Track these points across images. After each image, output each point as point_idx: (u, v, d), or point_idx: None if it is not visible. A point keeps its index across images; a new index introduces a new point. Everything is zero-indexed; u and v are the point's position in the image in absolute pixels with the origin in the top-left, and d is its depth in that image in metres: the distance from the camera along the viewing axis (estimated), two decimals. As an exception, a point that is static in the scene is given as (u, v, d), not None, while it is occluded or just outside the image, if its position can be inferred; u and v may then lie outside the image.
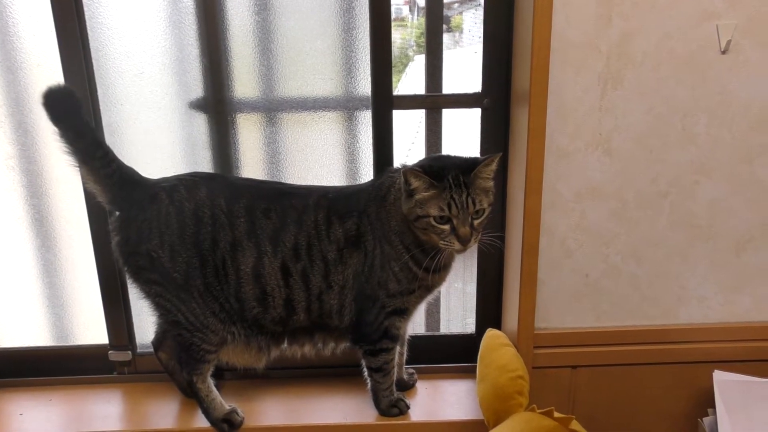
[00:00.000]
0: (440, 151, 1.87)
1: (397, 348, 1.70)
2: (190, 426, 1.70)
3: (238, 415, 1.69)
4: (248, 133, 1.76)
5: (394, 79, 1.73)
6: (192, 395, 1.71)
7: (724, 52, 1.54)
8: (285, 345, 1.68)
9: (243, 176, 1.76)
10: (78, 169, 1.54)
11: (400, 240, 1.54)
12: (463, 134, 1.91)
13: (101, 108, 1.69)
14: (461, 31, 2.68)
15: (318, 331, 1.66)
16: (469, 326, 2.00)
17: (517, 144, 1.64)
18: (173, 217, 1.53)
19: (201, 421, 1.70)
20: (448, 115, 1.84)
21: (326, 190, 1.61)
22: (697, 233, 1.67)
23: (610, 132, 1.58)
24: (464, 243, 1.45)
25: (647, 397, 1.77)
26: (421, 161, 1.53)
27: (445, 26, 1.75)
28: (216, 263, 1.55)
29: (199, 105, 1.72)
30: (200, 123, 1.74)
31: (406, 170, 1.44)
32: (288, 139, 1.77)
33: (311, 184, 1.67)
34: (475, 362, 1.72)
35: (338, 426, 1.70)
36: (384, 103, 1.71)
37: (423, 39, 1.81)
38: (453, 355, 1.97)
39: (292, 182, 1.71)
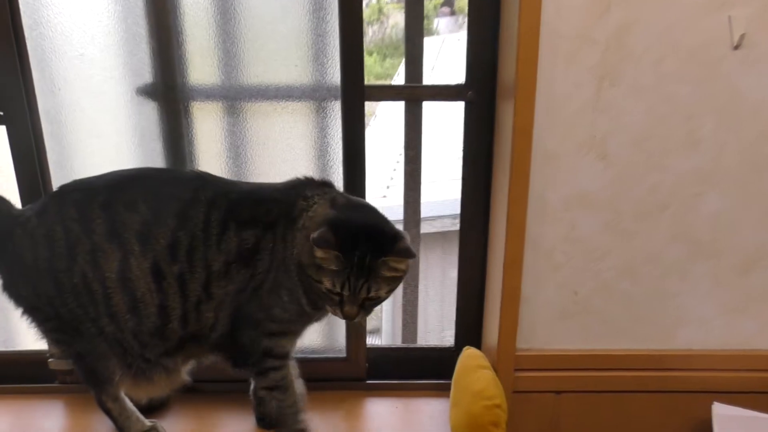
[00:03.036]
0: (419, 147, 1.71)
1: (292, 365, 1.52)
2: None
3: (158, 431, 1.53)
4: (204, 123, 1.59)
5: (393, 65, 1.56)
6: (105, 414, 1.54)
7: (736, 47, 1.36)
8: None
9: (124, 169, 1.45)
10: None
11: (298, 273, 1.36)
12: (447, 129, 1.74)
13: (36, 93, 1.51)
14: (465, 14, 2.51)
15: (189, 344, 1.45)
16: (448, 339, 1.84)
17: (503, 143, 1.47)
18: (28, 251, 1.36)
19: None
20: (431, 108, 1.67)
21: (229, 189, 1.40)
22: (699, 250, 1.50)
23: (604, 134, 1.41)
24: (347, 319, 1.33)
25: (638, 428, 1.61)
26: (335, 220, 1.30)
27: (449, 9, 1.59)
28: (74, 282, 1.35)
29: (147, 91, 1.55)
30: (149, 111, 1.56)
31: (315, 241, 1.26)
32: (249, 132, 1.59)
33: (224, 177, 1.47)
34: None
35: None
36: (355, 93, 1.54)
37: (425, 22, 1.63)
38: (430, 369, 1.80)
39: (252, 179, 1.55)
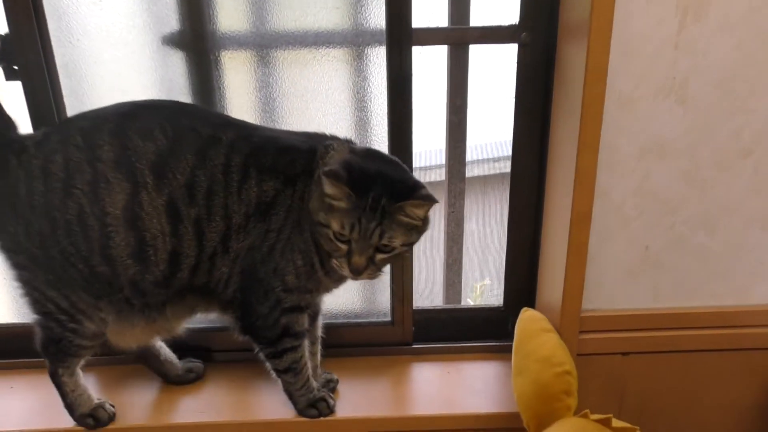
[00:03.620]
0: (465, 95, 1.59)
1: (306, 344, 1.41)
2: (172, 420, 1.45)
3: (105, 410, 1.43)
4: (235, 74, 1.45)
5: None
6: (55, 387, 1.42)
7: (833, -27, 1.22)
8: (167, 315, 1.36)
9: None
10: None
11: (311, 233, 1.25)
12: (495, 76, 1.60)
13: (53, 45, 1.37)
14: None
15: (191, 294, 1.32)
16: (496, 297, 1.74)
17: (567, 89, 1.33)
18: (21, 182, 1.21)
19: (187, 413, 1.46)
20: (477, 52, 1.54)
21: (250, 132, 1.27)
22: (786, 199, 1.38)
23: (686, 75, 1.27)
24: (354, 273, 1.19)
25: (711, 388, 1.51)
26: (350, 160, 1.19)
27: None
28: (68, 218, 1.21)
29: (174, 41, 1.40)
30: (177, 62, 1.42)
31: (325, 173, 1.14)
32: (284, 83, 1.45)
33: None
34: (505, 340, 1.51)
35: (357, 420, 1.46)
36: (401, 37, 1.40)
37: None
38: (478, 331, 1.70)
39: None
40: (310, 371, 1.43)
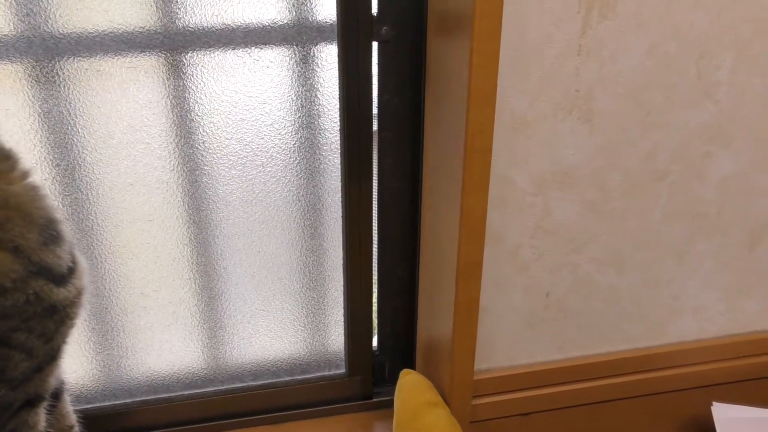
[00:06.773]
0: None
1: None
2: None
3: None
4: (5, 99, 1.04)
5: None
6: None
7: (760, -45, 0.98)
8: None
9: None
10: None
11: None
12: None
13: None
14: None
15: None
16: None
17: (445, 110, 1.04)
18: None
19: None
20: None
21: None
22: (702, 225, 1.16)
23: (591, 86, 1.01)
24: None
25: (623, 440, 1.31)
26: None
27: None
28: None
29: None
30: None
31: None
32: (82, 107, 1.06)
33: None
34: (380, 387, 1.31)
35: None
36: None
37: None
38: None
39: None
40: None
